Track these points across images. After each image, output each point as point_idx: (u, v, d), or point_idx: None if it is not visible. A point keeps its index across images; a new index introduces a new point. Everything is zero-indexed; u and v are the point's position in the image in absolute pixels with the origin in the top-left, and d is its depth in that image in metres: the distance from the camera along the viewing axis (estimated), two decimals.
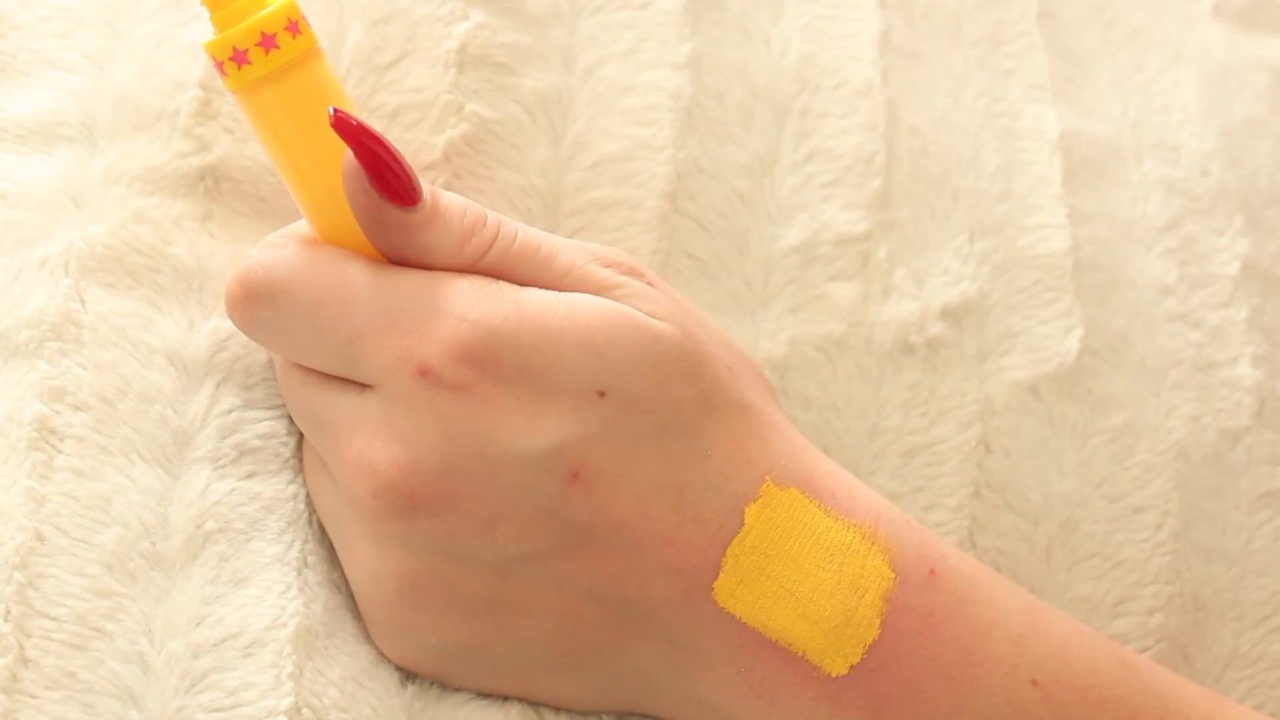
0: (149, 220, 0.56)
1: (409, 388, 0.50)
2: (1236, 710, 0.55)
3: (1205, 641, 0.60)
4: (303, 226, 0.54)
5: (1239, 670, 0.61)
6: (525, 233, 0.52)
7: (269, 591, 0.52)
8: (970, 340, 0.60)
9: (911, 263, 0.60)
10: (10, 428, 0.52)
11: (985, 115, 0.63)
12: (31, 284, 0.54)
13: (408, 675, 0.54)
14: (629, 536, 0.51)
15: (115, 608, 0.51)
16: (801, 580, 0.52)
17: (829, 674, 0.52)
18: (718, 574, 0.51)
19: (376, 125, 0.57)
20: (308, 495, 0.54)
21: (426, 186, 0.52)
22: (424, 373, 0.50)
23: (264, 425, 0.55)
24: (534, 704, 0.54)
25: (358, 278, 0.51)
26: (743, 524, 0.52)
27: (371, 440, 0.50)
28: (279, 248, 0.52)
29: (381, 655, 0.54)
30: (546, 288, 0.52)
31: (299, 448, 0.55)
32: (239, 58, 0.51)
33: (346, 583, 0.54)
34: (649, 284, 0.53)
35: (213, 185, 0.56)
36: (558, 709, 0.54)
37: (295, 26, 0.51)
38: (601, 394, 0.50)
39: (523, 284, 0.52)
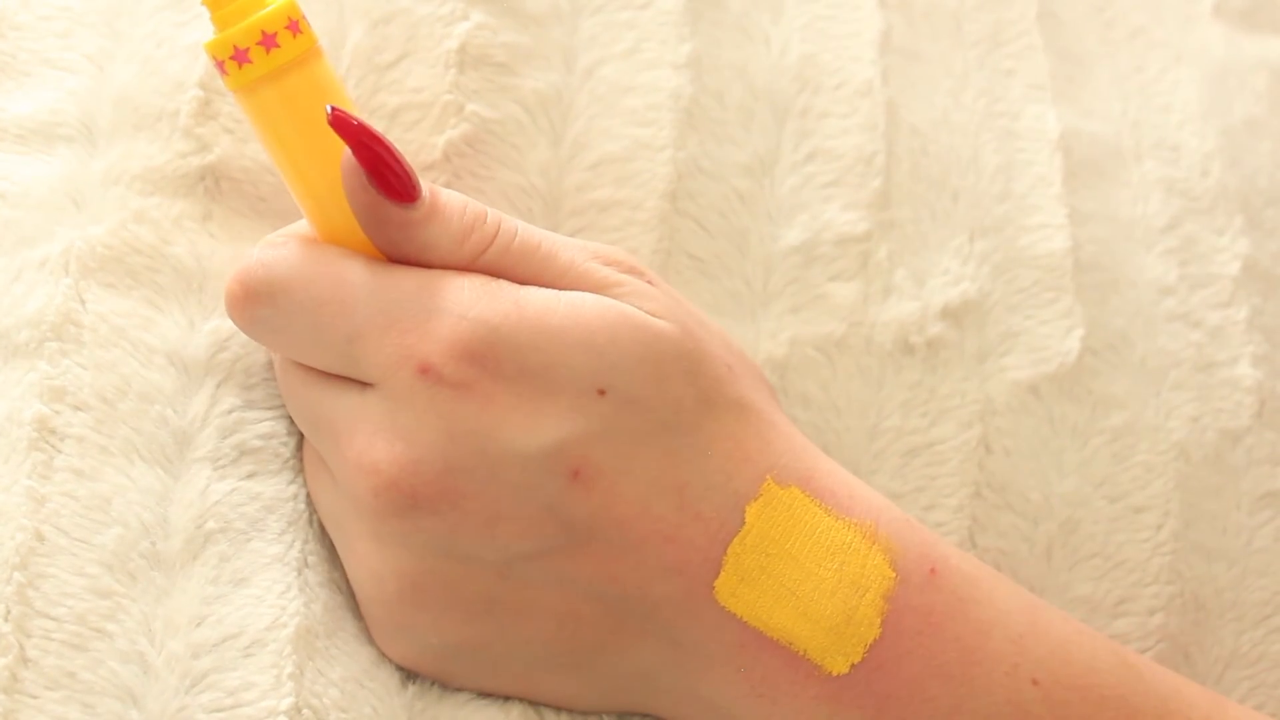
0: (149, 220, 0.56)
1: (410, 386, 0.50)
2: (1237, 710, 0.55)
3: (1206, 642, 0.60)
4: (303, 226, 0.54)
5: (1239, 670, 0.61)
6: (525, 230, 0.52)
7: (269, 591, 0.52)
8: (970, 340, 0.60)
9: (912, 263, 0.60)
10: (10, 428, 0.52)
11: (985, 115, 0.63)
12: (31, 284, 0.54)
13: (408, 675, 0.54)
14: (629, 535, 0.51)
15: (115, 608, 0.51)
16: (802, 579, 0.52)
17: (830, 673, 0.52)
18: (718, 573, 0.51)
19: (376, 125, 0.57)
20: (308, 495, 0.54)
21: (425, 184, 0.52)
22: (425, 371, 0.50)
23: (264, 425, 0.55)
24: (534, 704, 0.54)
25: (358, 276, 0.51)
26: (743, 522, 0.52)
27: (372, 439, 0.50)
28: (279, 247, 0.52)
29: (382, 655, 0.54)
30: (547, 285, 0.52)
31: (299, 448, 0.55)
32: (240, 56, 0.51)
33: (347, 583, 0.54)
34: (649, 282, 0.53)
35: (213, 185, 0.56)
36: (558, 709, 0.54)
37: (296, 26, 0.51)
38: (602, 392, 0.50)
39: (523, 281, 0.52)
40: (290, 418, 0.55)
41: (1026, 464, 0.59)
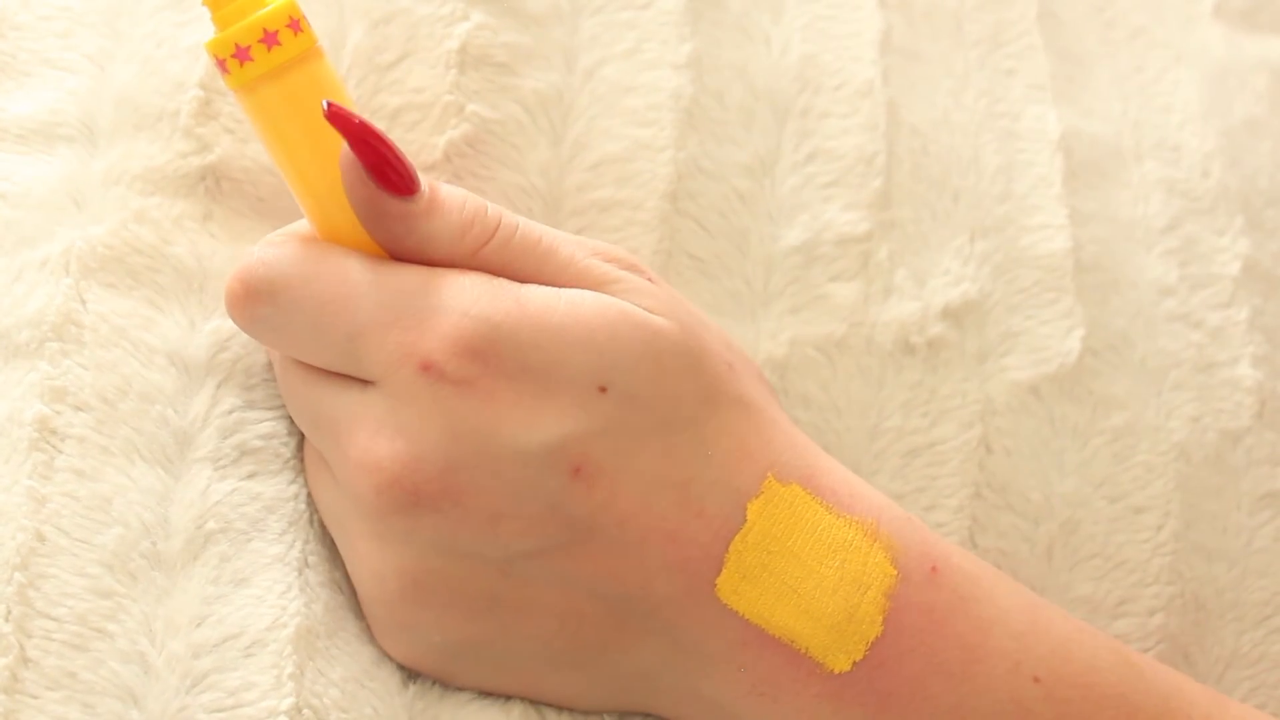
0: (149, 220, 0.56)
1: (412, 383, 0.50)
2: (1238, 708, 0.55)
3: (1206, 642, 0.60)
4: (303, 225, 0.54)
5: (1240, 671, 0.60)
6: (526, 225, 0.52)
7: (270, 591, 0.52)
8: (971, 340, 0.60)
9: (912, 263, 0.60)
10: (11, 428, 0.52)
11: (986, 115, 0.63)
12: (32, 284, 0.54)
13: (409, 675, 0.54)
14: (631, 532, 0.51)
15: (116, 608, 0.51)
16: (804, 577, 0.52)
17: (831, 671, 0.52)
18: (720, 570, 0.51)
19: (375, 122, 0.57)
20: (309, 495, 0.54)
21: (425, 178, 0.52)
22: (427, 368, 0.50)
23: (265, 425, 0.55)
24: (536, 703, 0.54)
25: (359, 274, 0.51)
26: (745, 520, 0.52)
27: (374, 436, 0.50)
28: (279, 245, 0.52)
29: (383, 655, 0.54)
30: (547, 280, 0.52)
31: (300, 448, 0.55)
32: (241, 54, 0.51)
33: (348, 582, 0.54)
34: (647, 279, 0.53)
35: (213, 185, 0.56)
36: (560, 708, 0.54)
37: (296, 24, 0.51)
38: (602, 390, 0.50)
39: (523, 276, 0.52)
40: (291, 418, 0.55)
41: (1027, 464, 0.59)
